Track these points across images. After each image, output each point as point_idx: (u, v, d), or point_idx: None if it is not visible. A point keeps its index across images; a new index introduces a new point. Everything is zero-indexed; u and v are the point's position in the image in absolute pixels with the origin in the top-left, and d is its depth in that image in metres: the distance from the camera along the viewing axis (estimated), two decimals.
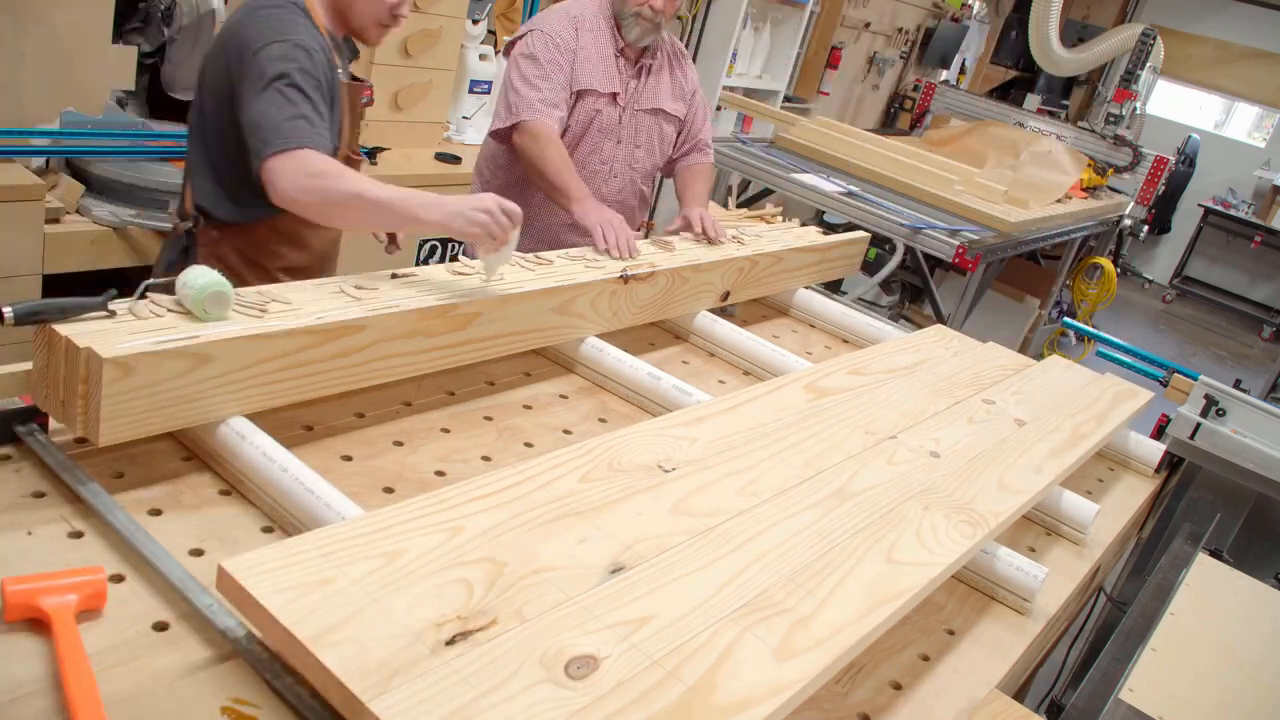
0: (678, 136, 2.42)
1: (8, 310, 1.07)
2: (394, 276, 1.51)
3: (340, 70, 1.73)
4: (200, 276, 1.22)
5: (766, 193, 4.13)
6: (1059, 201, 4.66)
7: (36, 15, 2.38)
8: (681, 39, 5.23)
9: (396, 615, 0.88)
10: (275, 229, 1.74)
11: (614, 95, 2.25)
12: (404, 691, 0.80)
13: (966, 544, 1.26)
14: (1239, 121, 9.79)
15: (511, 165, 2.26)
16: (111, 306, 1.17)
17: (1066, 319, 4.54)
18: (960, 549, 1.25)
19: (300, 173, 1.49)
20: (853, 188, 3.80)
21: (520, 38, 2.21)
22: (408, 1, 1.76)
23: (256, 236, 1.74)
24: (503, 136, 2.20)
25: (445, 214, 1.47)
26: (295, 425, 1.34)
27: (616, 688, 0.86)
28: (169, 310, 1.22)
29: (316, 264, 1.84)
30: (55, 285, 2.39)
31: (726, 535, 1.13)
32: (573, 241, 2.10)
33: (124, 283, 2.88)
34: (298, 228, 1.75)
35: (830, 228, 4.36)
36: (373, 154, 3.13)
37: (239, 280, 1.46)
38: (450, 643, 0.86)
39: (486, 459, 1.39)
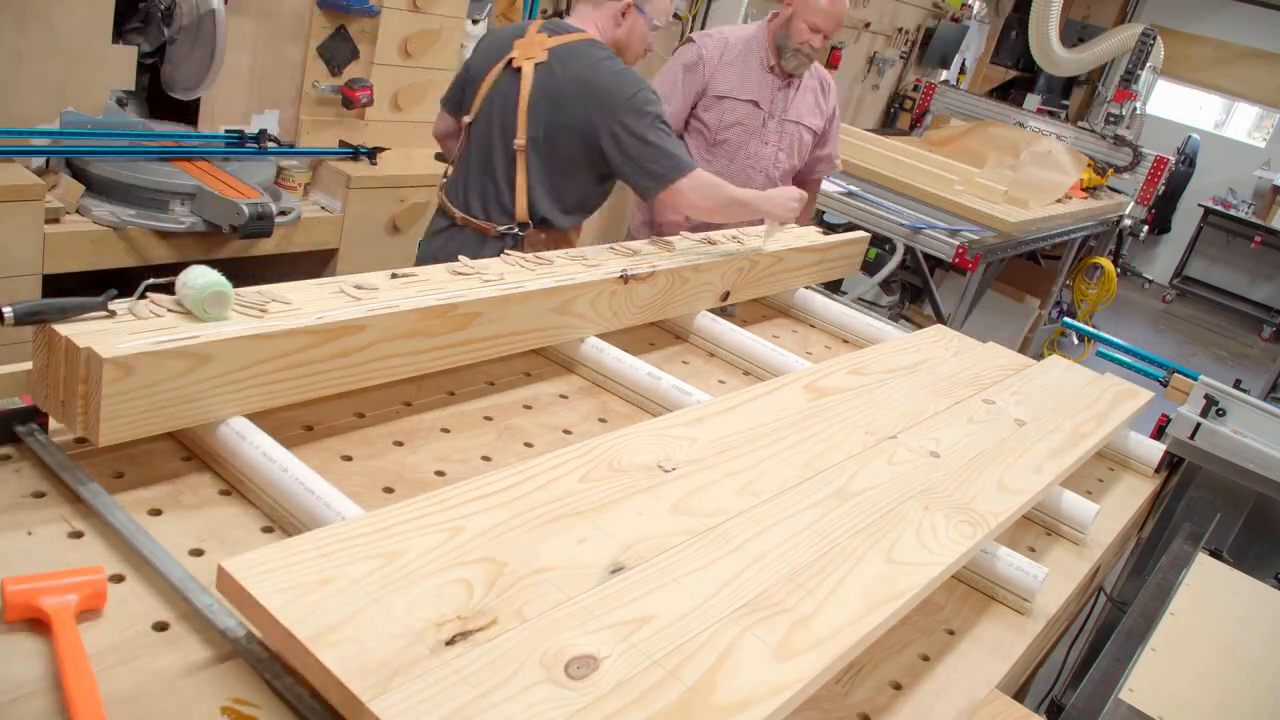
0: (814, 147, 2.94)
1: (7, 310, 1.07)
2: (394, 276, 1.51)
3: None
4: (200, 276, 1.22)
5: None
6: (1059, 201, 4.66)
7: (36, 15, 2.38)
8: (682, 39, 5.24)
9: (396, 615, 0.88)
10: (577, 230, 2.25)
11: (754, 103, 2.73)
12: (404, 691, 0.80)
13: (966, 544, 1.26)
14: (1239, 121, 9.79)
15: None
16: (112, 306, 1.17)
17: (1066, 319, 4.54)
18: (960, 549, 1.25)
19: (702, 189, 2.04)
20: (853, 188, 3.81)
21: (677, 48, 2.78)
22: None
23: (568, 238, 2.22)
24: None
25: (773, 205, 2.09)
26: (295, 425, 1.34)
27: (616, 688, 0.86)
28: (169, 310, 1.22)
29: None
30: (55, 285, 2.39)
31: (726, 535, 1.13)
32: None
33: (124, 283, 2.88)
34: (576, 233, 2.27)
35: (830, 228, 4.36)
36: (373, 154, 3.13)
37: None
38: (450, 643, 0.86)
39: (486, 459, 1.39)
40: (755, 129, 2.76)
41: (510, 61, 2.07)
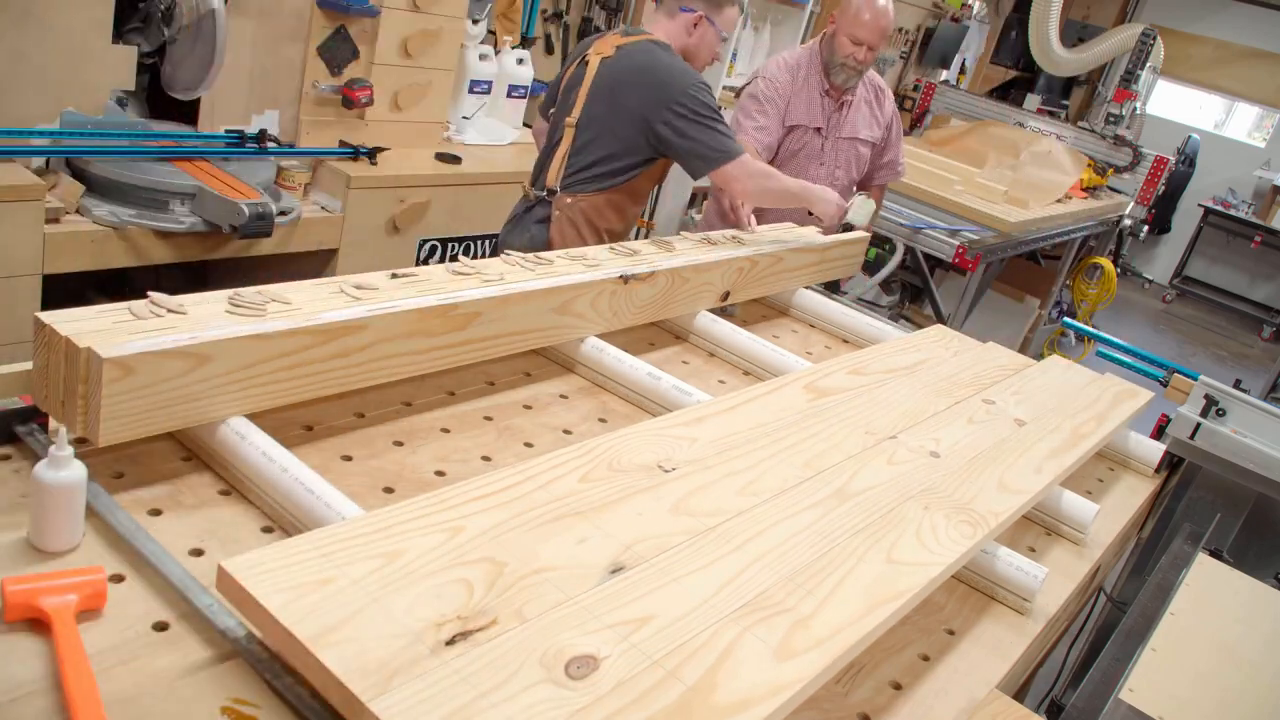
0: (874, 156, 3.01)
1: None
2: (394, 276, 1.51)
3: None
4: None
5: None
6: (1059, 201, 4.66)
7: (37, 15, 2.38)
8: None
9: (396, 615, 0.88)
10: (611, 201, 2.32)
11: (818, 129, 2.84)
12: (404, 691, 0.80)
13: (966, 544, 1.26)
14: (1239, 121, 9.79)
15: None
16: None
17: (1066, 319, 4.54)
18: (960, 549, 1.25)
19: (752, 175, 2.24)
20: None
21: (748, 84, 2.84)
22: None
23: (598, 204, 2.33)
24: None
25: (823, 201, 2.31)
26: (295, 425, 1.34)
27: (616, 688, 0.86)
28: (169, 311, 1.22)
29: (626, 231, 2.44)
30: (55, 285, 2.39)
31: (726, 535, 1.13)
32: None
33: (124, 283, 2.87)
34: (624, 201, 2.35)
35: None
36: (373, 154, 3.12)
37: (577, 233, 2.30)
38: (450, 643, 0.86)
39: (486, 459, 1.39)
40: (814, 152, 2.86)
41: (584, 58, 2.34)
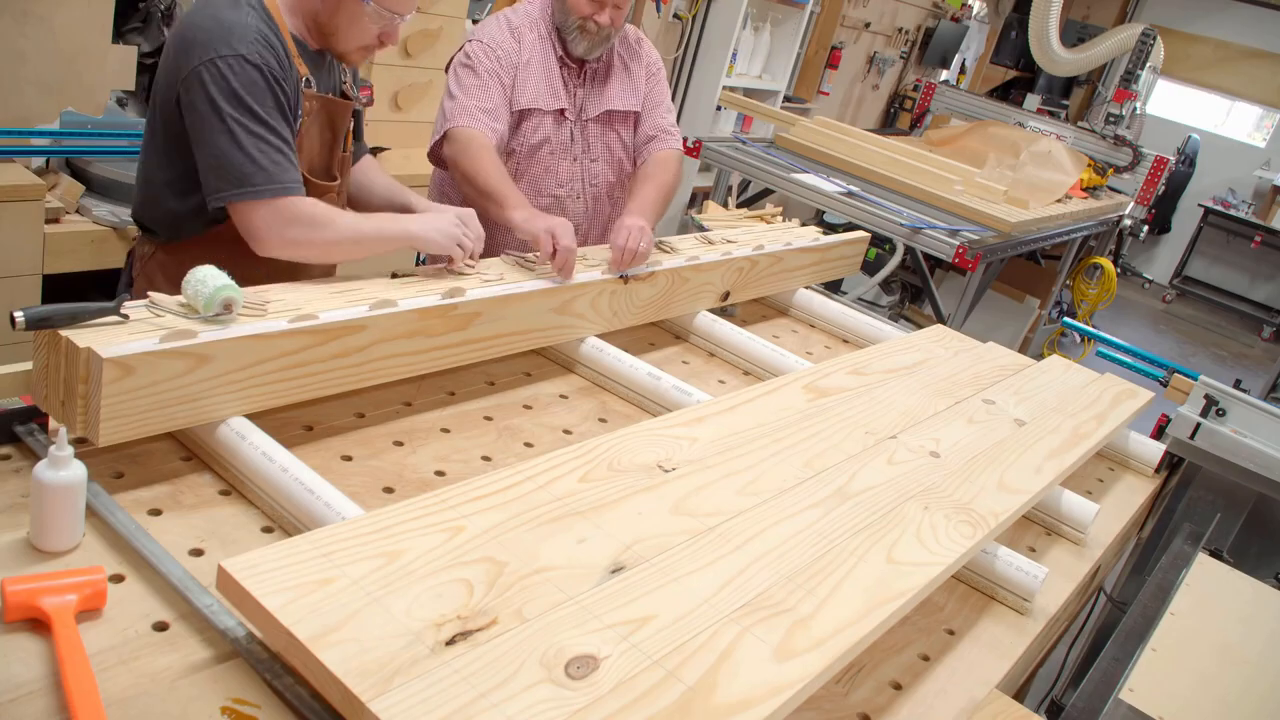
0: (636, 133, 2.16)
1: (19, 315, 1.07)
2: (394, 276, 1.51)
3: (310, 80, 1.58)
4: (212, 279, 1.21)
5: (766, 193, 4.13)
6: (1059, 201, 4.66)
7: (37, 15, 2.38)
8: (681, 39, 5.22)
9: (396, 615, 0.88)
10: (205, 250, 1.47)
11: (560, 111, 2.04)
12: (404, 691, 0.80)
13: (966, 544, 1.26)
14: (1239, 121, 9.78)
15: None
16: (125, 310, 1.16)
17: (1066, 319, 4.54)
18: (960, 549, 1.25)
19: (285, 223, 1.43)
20: (853, 188, 3.80)
21: (458, 51, 2.03)
22: (397, 29, 1.60)
23: (181, 257, 1.48)
24: (437, 156, 2.01)
25: (424, 229, 1.56)
26: (295, 425, 1.34)
27: (616, 687, 0.86)
28: (169, 311, 1.22)
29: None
30: (55, 285, 2.39)
31: (726, 535, 1.13)
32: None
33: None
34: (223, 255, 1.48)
35: (830, 228, 4.36)
36: (373, 154, 3.12)
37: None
38: (450, 643, 0.86)
39: (486, 459, 1.39)
40: (563, 144, 2.07)
41: None
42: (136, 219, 1.66)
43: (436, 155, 2.02)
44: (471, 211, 1.64)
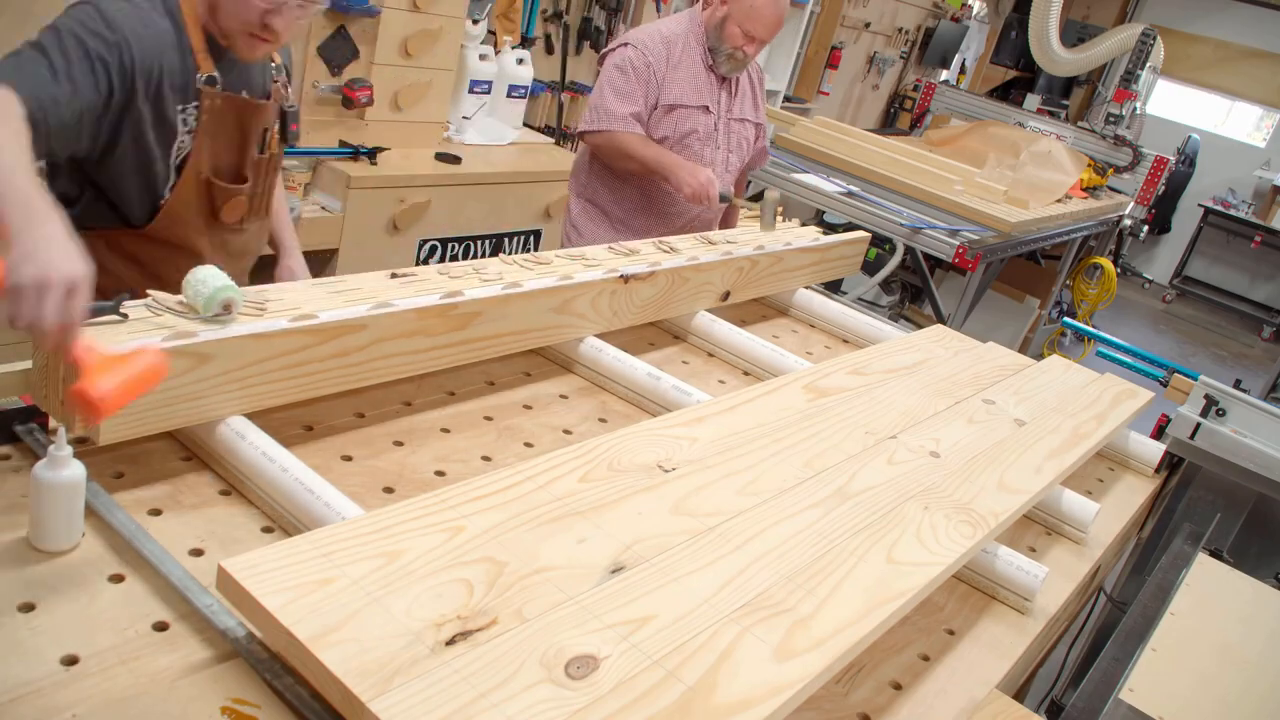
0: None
1: None
2: (393, 276, 1.51)
3: (215, 78, 1.57)
4: (213, 279, 1.21)
5: None
6: (1059, 201, 4.66)
7: (37, 15, 2.38)
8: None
9: (397, 615, 0.88)
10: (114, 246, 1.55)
11: (705, 108, 2.53)
12: (404, 691, 0.80)
13: (966, 544, 1.26)
14: (1239, 121, 9.79)
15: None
16: (125, 309, 1.16)
17: (1066, 319, 4.54)
18: (960, 549, 1.25)
19: None
20: (853, 188, 3.80)
21: (614, 49, 2.50)
22: (285, 14, 1.52)
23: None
24: (589, 140, 2.54)
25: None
26: (295, 425, 1.34)
27: (616, 687, 0.86)
28: (168, 310, 1.22)
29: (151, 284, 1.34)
30: None
31: (726, 535, 1.13)
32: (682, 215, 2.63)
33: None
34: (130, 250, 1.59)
35: (830, 228, 4.36)
36: (373, 154, 3.13)
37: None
38: (450, 643, 0.86)
39: (486, 459, 1.39)
40: (709, 135, 2.58)
41: None
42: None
43: (588, 139, 2.55)
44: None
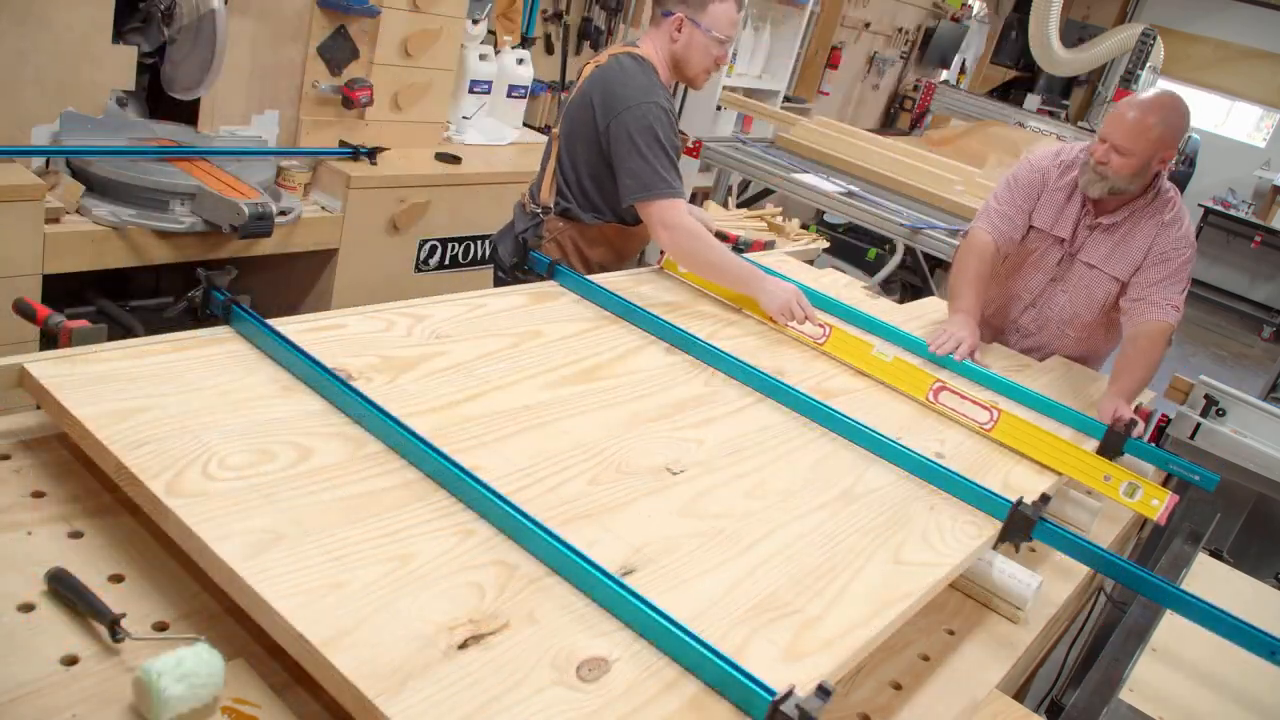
0: (1120, 293, 2.24)
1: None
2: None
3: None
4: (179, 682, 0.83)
5: (767, 193, 4.13)
6: None
7: (36, 15, 2.38)
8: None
9: (409, 619, 0.88)
10: (603, 233, 2.22)
11: (1059, 239, 2.27)
12: (417, 695, 0.80)
13: (973, 544, 1.27)
14: (1239, 121, 9.80)
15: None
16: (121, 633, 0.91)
17: None
18: (967, 549, 1.25)
19: (674, 228, 1.98)
20: (853, 188, 3.80)
21: (1019, 165, 2.38)
22: (727, 52, 2.13)
23: (589, 234, 2.21)
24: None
25: (764, 294, 1.95)
26: None
27: (628, 690, 0.87)
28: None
29: (618, 263, 2.29)
30: (55, 285, 2.39)
31: (735, 537, 1.13)
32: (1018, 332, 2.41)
33: (124, 282, 2.85)
34: (617, 238, 2.24)
35: (830, 228, 4.37)
36: (373, 154, 3.12)
37: (565, 259, 2.13)
38: (462, 646, 0.86)
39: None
40: (1046, 263, 2.30)
41: (583, 65, 2.27)
42: (558, 205, 2.20)
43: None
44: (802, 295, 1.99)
